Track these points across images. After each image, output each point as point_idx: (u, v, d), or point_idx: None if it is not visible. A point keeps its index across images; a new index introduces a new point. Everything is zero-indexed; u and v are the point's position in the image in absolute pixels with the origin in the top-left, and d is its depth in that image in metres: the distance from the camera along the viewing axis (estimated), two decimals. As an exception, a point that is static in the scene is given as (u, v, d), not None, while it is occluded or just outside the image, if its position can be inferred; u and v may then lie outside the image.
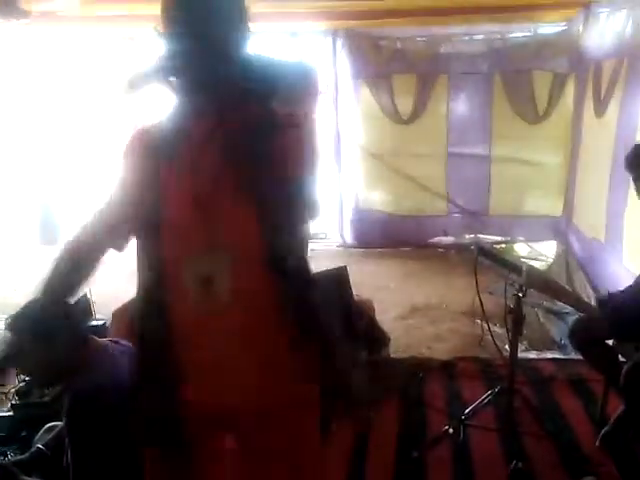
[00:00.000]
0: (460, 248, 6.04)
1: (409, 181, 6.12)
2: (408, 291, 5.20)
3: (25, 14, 2.96)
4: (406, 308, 4.80)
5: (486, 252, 2.65)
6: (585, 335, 2.64)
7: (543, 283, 2.45)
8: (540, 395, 3.06)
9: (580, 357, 2.82)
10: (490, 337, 3.04)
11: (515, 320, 2.47)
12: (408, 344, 4.11)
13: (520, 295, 2.42)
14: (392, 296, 5.10)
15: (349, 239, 6.50)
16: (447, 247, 6.23)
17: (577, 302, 2.60)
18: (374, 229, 6.32)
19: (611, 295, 2.63)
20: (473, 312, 4.50)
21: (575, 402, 3.04)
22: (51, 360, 1.70)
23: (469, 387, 3.15)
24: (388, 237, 6.27)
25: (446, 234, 6.22)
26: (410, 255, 6.18)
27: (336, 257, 6.14)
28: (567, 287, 2.67)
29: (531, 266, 2.30)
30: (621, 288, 2.72)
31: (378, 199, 6.42)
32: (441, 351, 3.97)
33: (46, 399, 2.80)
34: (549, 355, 3.73)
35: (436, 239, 6.32)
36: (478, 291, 2.63)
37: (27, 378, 2.79)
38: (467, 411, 2.72)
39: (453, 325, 4.46)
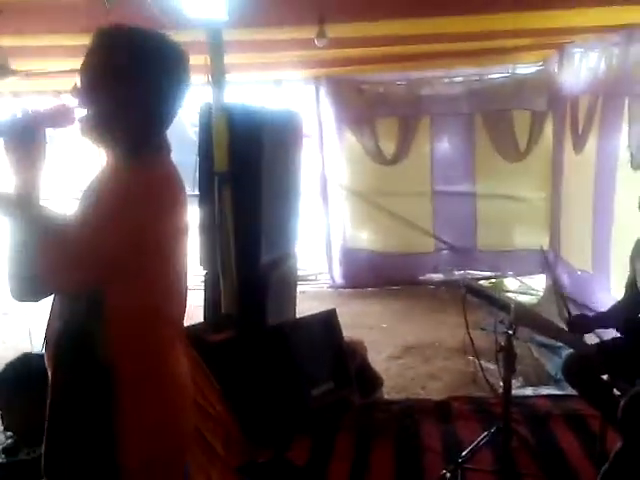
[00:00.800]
0: (450, 285, 6.05)
1: (396, 220, 6.18)
2: (400, 330, 5.18)
3: (13, 73, 3.01)
4: (398, 347, 4.77)
5: (474, 290, 2.65)
6: (578, 371, 2.62)
7: (532, 320, 2.44)
8: (537, 433, 3.01)
9: (575, 393, 2.79)
10: (483, 375, 3.02)
11: (507, 358, 2.45)
12: (402, 384, 4.07)
13: (510, 332, 2.41)
14: (384, 336, 5.07)
15: (338, 279, 6.51)
16: (437, 284, 6.25)
17: (567, 338, 2.59)
18: (363, 268, 6.34)
19: (580, 316, 2.66)
20: (466, 349, 4.49)
21: (573, 439, 2.99)
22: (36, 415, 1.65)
23: (465, 428, 3.10)
24: (377, 276, 6.29)
25: (437, 270, 6.25)
26: (400, 293, 6.18)
27: (326, 298, 6.13)
28: (556, 322, 2.65)
29: (520, 303, 2.30)
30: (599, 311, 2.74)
31: (366, 238, 6.47)
32: (435, 390, 3.93)
33: (34, 456, 2.72)
34: (544, 391, 3.70)
35: (426, 276, 6.36)
36: (468, 329, 2.61)
37: (13, 434, 2.72)
38: (464, 454, 2.66)
39: (446, 363, 4.43)
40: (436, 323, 5.23)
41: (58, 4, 2.53)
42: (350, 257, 6.40)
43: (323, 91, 6.16)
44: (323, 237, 6.52)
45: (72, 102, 1.30)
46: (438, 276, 6.32)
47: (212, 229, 2.85)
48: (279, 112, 3.91)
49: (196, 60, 3.42)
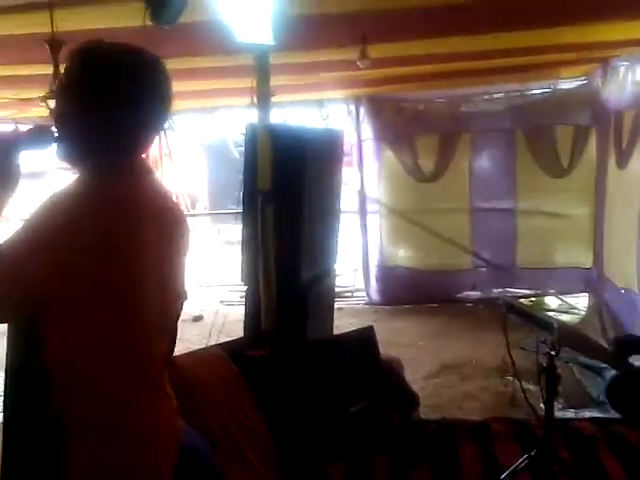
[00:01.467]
0: (488, 302, 5.96)
1: (434, 237, 6.15)
2: (437, 348, 5.13)
3: None
4: (435, 366, 4.73)
5: (515, 309, 2.62)
6: (623, 393, 2.56)
7: (576, 340, 2.40)
8: (580, 457, 2.93)
9: (620, 416, 2.72)
10: (523, 395, 2.97)
11: (549, 379, 2.42)
12: (439, 404, 4.03)
13: (553, 353, 2.37)
14: (421, 354, 5.03)
15: (375, 296, 6.49)
16: (475, 302, 6.16)
17: (612, 359, 2.53)
18: (400, 285, 6.31)
19: (627, 336, 2.58)
20: (504, 369, 4.43)
21: (617, 464, 2.89)
22: None
23: (504, 450, 3.03)
24: (414, 293, 6.24)
25: (474, 288, 6.17)
26: (438, 311, 6.12)
27: (363, 315, 6.13)
28: (601, 343, 2.59)
29: (563, 322, 2.26)
30: None
31: (403, 255, 6.45)
32: (473, 411, 3.87)
33: None
34: (587, 414, 3.61)
35: (464, 294, 6.29)
36: (509, 349, 2.58)
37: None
38: (503, 476, 2.62)
39: (484, 383, 4.36)
40: (474, 342, 5.15)
41: (116, 32, 2.63)
42: (387, 274, 6.39)
43: (363, 110, 6.22)
44: (360, 254, 6.54)
45: (51, 125, 1.27)
46: (476, 294, 6.24)
47: (254, 246, 2.89)
48: (321, 131, 3.97)
49: (242, 83, 3.55)
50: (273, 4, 2.53)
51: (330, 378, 3.01)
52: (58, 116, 1.26)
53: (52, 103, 1.33)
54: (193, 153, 12.76)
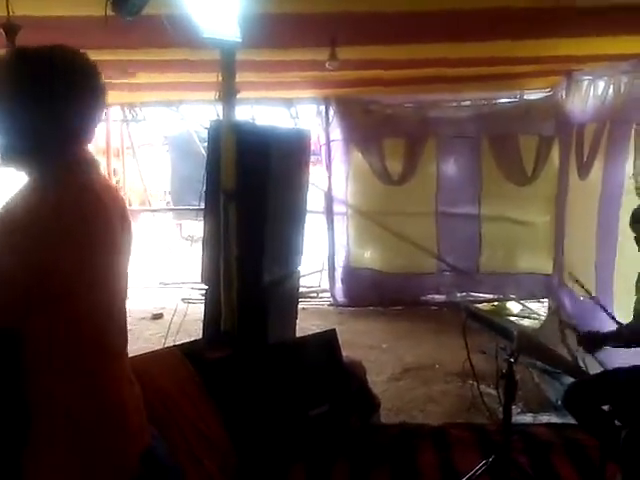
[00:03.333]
0: (452, 306, 6.02)
1: (400, 240, 6.17)
2: (400, 351, 5.14)
3: None
4: (398, 369, 4.74)
5: (476, 316, 2.63)
6: (579, 400, 2.59)
7: (534, 348, 2.42)
8: (536, 463, 2.97)
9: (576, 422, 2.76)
10: (482, 401, 2.99)
11: (508, 386, 2.43)
12: (400, 407, 4.03)
13: (512, 360, 2.39)
14: (384, 356, 5.04)
15: (340, 297, 6.48)
16: (439, 305, 6.22)
17: (569, 367, 2.56)
18: (365, 287, 6.32)
19: (590, 333, 2.62)
20: (466, 373, 4.45)
21: (572, 470, 2.94)
22: None
23: (463, 456, 3.05)
24: (379, 295, 6.27)
25: (439, 291, 6.23)
26: (402, 313, 6.15)
27: (327, 316, 6.12)
28: (558, 351, 2.63)
29: (522, 330, 2.28)
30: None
31: (369, 257, 6.46)
32: (434, 414, 3.89)
33: None
34: (545, 418, 3.66)
35: (428, 297, 6.34)
36: (469, 355, 2.60)
37: None
38: (461, 483, 2.63)
39: (446, 387, 4.38)
40: (437, 345, 5.19)
41: (75, 20, 2.56)
42: (353, 275, 6.38)
43: (332, 111, 6.20)
44: (326, 254, 6.52)
45: None
46: (440, 297, 6.30)
47: (216, 245, 2.84)
48: (287, 131, 3.94)
49: (208, 77, 3.50)
50: (240, 1, 2.50)
51: (291, 381, 2.98)
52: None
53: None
54: (157, 146, 12.55)
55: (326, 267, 6.60)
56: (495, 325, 2.52)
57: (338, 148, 6.28)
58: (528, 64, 4.59)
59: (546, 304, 6.01)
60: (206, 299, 3.11)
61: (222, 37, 2.60)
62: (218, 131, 2.92)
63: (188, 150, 10.12)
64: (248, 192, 2.85)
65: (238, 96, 3.01)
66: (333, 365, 3.16)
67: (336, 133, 6.24)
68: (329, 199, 6.37)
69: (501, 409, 2.54)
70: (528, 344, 2.30)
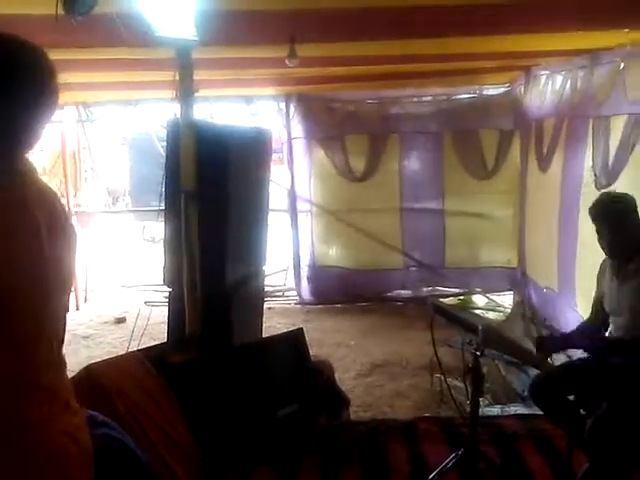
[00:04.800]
0: (418, 301, 6.06)
1: (365, 236, 6.18)
2: (368, 347, 5.14)
3: None
4: (366, 365, 4.74)
5: (442, 310, 2.64)
6: (545, 391, 2.62)
7: (500, 342, 2.43)
8: (504, 455, 2.99)
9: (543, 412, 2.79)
10: (450, 394, 3.01)
11: (474, 379, 2.44)
12: (369, 403, 4.03)
13: (478, 354, 2.39)
14: (352, 353, 5.04)
15: (306, 296, 6.45)
16: (405, 301, 6.25)
17: (534, 360, 2.59)
18: (331, 285, 6.31)
19: (548, 337, 2.66)
20: (433, 367, 4.48)
21: (540, 460, 2.98)
22: None
23: (432, 449, 3.05)
24: (346, 292, 6.27)
25: (405, 287, 6.26)
26: (369, 310, 6.16)
27: (293, 315, 6.09)
28: (523, 344, 2.65)
29: (487, 324, 2.28)
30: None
31: (334, 255, 6.44)
32: (403, 408, 3.90)
33: None
34: (512, 410, 3.70)
35: (394, 293, 6.36)
36: (435, 351, 2.59)
37: None
38: (431, 477, 2.63)
39: (413, 381, 4.40)
40: (404, 340, 5.21)
41: (27, 19, 2.49)
42: (318, 273, 6.36)
43: (293, 108, 6.16)
44: (291, 253, 6.48)
45: None
46: (407, 293, 6.34)
47: (177, 246, 2.78)
48: (247, 129, 3.89)
49: (165, 76, 3.43)
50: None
51: (258, 382, 2.94)
52: None
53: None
54: (114, 147, 12.28)
55: (291, 266, 6.56)
56: (461, 319, 2.53)
57: (300, 146, 6.25)
58: (487, 60, 4.64)
59: (511, 297, 6.10)
60: (169, 302, 3.05)
61: (177, 36, 2.54)
62: (177, 130, 2.87)
63: (147, 150, 9.94)
64: (209, 191, 2.80)
65: (196, 94, 2.95)
66: (301, 364, 3.13)
67: (297, 130, 6.21)
68: (292, 197, 6.33)
69: (469, 402, 2.57)
70: (493, 337, 2.31)
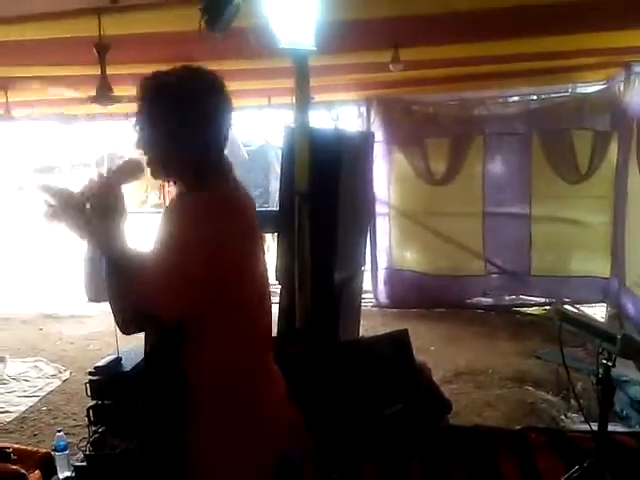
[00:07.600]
0: (500, 310, 5.88)
1: (444, 240, 6.05)
2: (450, 354, 5.02)
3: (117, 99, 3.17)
4: (450, 372, 4.62)
5: (570, 319, 2.50)
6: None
7: (639, 352, 2.29)
8: (628, 470, 2.83)
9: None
10: (543, 405, 2.89)
11: (604, 391, 2.31)
12: (456, 411, 3.89)
13: (610, 364, 2.27)
14: (434, 359, 4.89)
15: (383, 299, 6.39)
16: (486, 309, 6.06)
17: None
18: (408, 289, 6.22)
19: None
20: (521, 378, 4.35)
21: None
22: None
23: (543, 460, 2.94)
24: (423, 297, 6.14)
25: (486, 294, 6.07)
26: (447, 316, 6.01)
27: (371, 317, 5.99)
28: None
29: (627, 334, 2.15)
30: None
31: (412, 259, 6.34)
32: (493, 419, 3.77)
33: (118, 451, 2.77)
34: (610, 428, 3.51)
35: (474, 300, 6.18)
36: (565, 363, 2.47)
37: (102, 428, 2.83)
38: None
39: (501, 392, 4.26)
40: (487, 349, 5.07)
41: (164, 35, 2.64)
42: (395, 277, 6.29)
43: (373, 112, 6.14)
44: (369, 256, 6.42)
45: (136, 153, 1.44)
46: (487, 300, 6.15)
47: (290, 245, 2.85)
48: (354, 133, 3.95)
49: (283, 84, 3.52)
50: (317, 10, 2.57)
51: (364, 379, 2.94)
52: (145, 144, 1.41)
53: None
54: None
55: (369, 268, 6.51)
56: (594, 327, 2.40)
57: (380, 149, 6.15)
58: (581, 57, 4.44)
59: (602, 309, 5.79)
60: (280, 297, 3.09)
61: (298, 46, 2.64)
62: (292, 135, 2.99)
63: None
64: (321, 194, 2.90)
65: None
66: (405, 364, 3.09)
67: (378, 134, 6.13)
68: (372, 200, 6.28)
69: (562, 417, 2.44)
70: (634, 347, 2.17)
